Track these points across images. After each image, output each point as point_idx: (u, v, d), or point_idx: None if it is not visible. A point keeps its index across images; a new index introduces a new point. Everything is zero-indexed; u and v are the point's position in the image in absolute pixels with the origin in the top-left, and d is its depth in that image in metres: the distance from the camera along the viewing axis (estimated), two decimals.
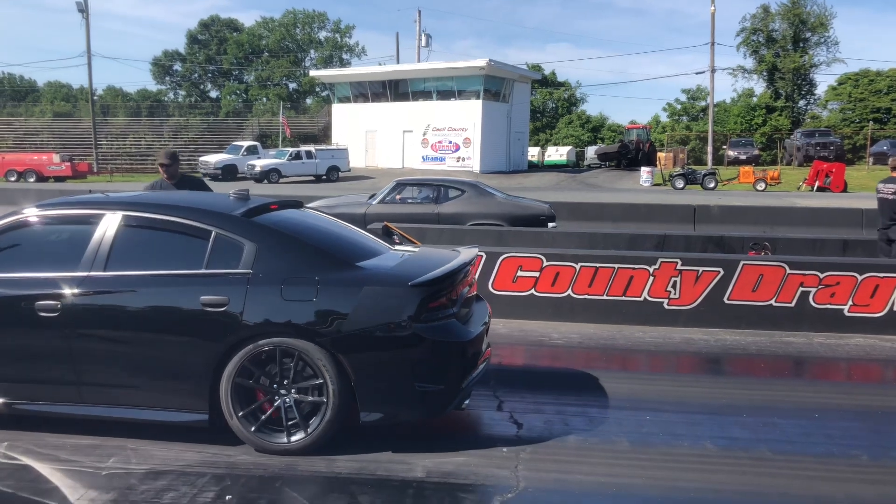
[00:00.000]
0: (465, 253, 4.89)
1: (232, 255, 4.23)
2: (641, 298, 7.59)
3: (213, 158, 39.11)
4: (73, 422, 4.42)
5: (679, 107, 63.17)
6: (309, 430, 4.10)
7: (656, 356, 6.67)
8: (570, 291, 7.69)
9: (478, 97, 42.76)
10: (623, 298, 7.62)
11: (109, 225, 4.41)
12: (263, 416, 4.15)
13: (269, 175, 35.96)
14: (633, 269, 7.61)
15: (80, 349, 4.24)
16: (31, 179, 35.96)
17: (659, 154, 42.98)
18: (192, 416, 4.21)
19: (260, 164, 36.75)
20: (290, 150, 39.30)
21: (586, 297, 7.67)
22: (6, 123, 56.07)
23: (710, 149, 43.49)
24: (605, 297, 7.64)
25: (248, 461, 4.10)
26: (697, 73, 60.07)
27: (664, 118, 63.86)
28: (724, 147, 45.18)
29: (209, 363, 4.11)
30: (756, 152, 42.98)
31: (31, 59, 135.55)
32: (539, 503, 3.67)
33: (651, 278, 7.57)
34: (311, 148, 39.75)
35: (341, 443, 4.23)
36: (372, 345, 4.09)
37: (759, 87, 59.43)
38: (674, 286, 7.55)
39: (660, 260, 7.63)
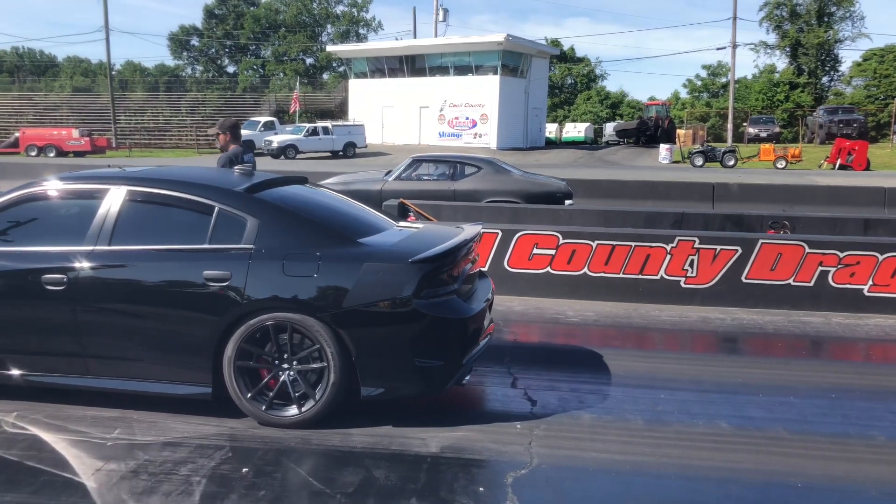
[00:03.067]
0: (468, 230, 4.89)
1: (234, 231, 4.27)
2: (658, 277, 7.56)
3: None
4: (92, 394, 4.48)
5: (699, 83, 62.41)
6: (312, 403, 4.15)
7: (672, 335, 6.65)
8: (586, 269, 7.67)
9: (495, 73, 42.41)
10: (640, 277, 7.59)
11: (114, 200, 4.45)
12: (267, 391, 4.20)
13: (286, 151, 36.00)
14: (651, 247, 7.57)
15: (86, 322, 4.30)
16: (51, 154, 36.26)
17: (678, 131, 42.50)
18: (196, 389, 4.27)
19: (277, 139, 36.79)
20: (307, 125, 39.27)
21: (602, 275, 7.65)
22: (26, 98, 56.48)
23: (730, 126, 42.98)
24: (621, 276, 7.61)
25: (265, 435, 4.14)
26: (718, 49, 59.04)
27: (684, 94, 63.19)
28: (745, 124, 44.60)
29: (212, 337, 4.16)
30: (777, 129, 42.42)
31: (50, 33, 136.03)
32: (552, 479, 3.68)
33: (668, 256, 7.52)
34: (328, 124, 39.68)
35: (355, 417, 4.27)
36: (372, 320, 4.12)
37: (781, 62, 58.59)
38: (691, 265, 7.50)
39: (677, 238, 7.58)
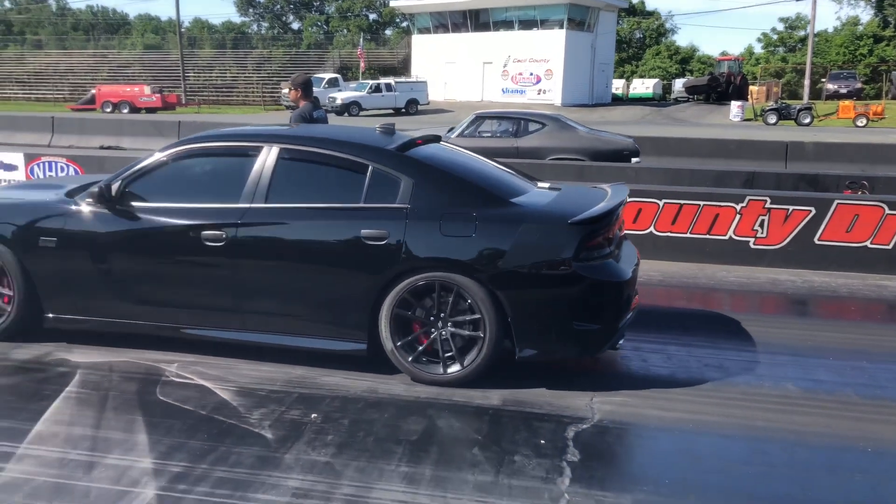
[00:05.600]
0: (616, 190, 4.75)
1: (389, 190, 4.27)
2: (727, 237, 7.39)
3: None
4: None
5: (775, 37, 59.73)
6: (464, 364, 4.18)
7: (739, 296, 6.51)
8: (652, 228, 7.55)
9: (561, 27, 41.50)
10: (707, 237, 7.44)
11: (268, 158, 4.48)
12: (420, 348, 4.25)
13: (349, 108, 36.25)
14: (719, 206, 7.39)
15: (244, 278, 4.38)
16: (125, 110, 37.37)
17: (751, 87, 41.02)
18: (351, 345, 4.34)
19: (341, 96, 37.04)
20: (371, 82, 39.35)
21: (669, 234, 7.52)
22: (101, 56, 58.10)
23: (807, 82, 41.09)
24: (688, 235, 7.47)
25: (333, 383, 4.28)
26: (798, 0, 56.30)
27: (758, 49, 60.62)
28: (823, 80, 42.62)
29: (368, 295, 4.21)
30: (858, 86, 40.40)
31: None
32: (614, 435, 3.70)
33: (738, 216, 7.34)
34: (391, 80, 39.70)
35: None
36: (530, 282, 4.09)
37: (866, 14, 55.51)
38: (761, 225, 7.30)
39: (748, 197, 7.37)
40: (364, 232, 4.17)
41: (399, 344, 4.24)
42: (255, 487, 3.16)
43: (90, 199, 4.65)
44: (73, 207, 4.69)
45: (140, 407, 3.96)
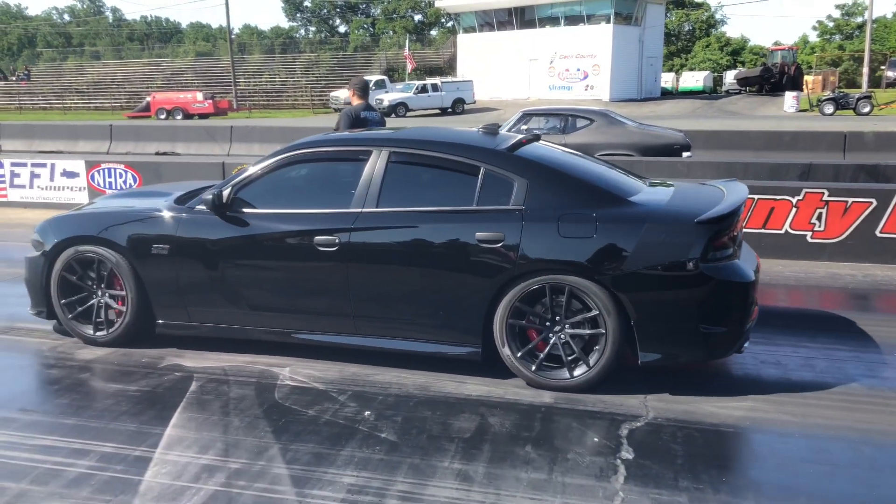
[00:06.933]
0: (733, 188, 4.61)
1: (502, 191, 4.18)
2: (783, 231, 7.21)
3: (343, 94, 40.09)
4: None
5: (831, 24, 57.98)
6: (585, 369, 4.08)
7: (797, 291, 6.35)
8: None
9: (608, 21, 41.04)
10: (762, 231, 7.27)
11: (378, 162, 4.43)
12: (538, 353, 4.16)
13: (396, 109, 36.53)
14: (775, 199, 7.22)
15: (357, 283, 4.34)
16: (179, 117, 38.27)
17: (806, 77, 39.91)
18: (465, 350, 4.28)
19: (388, 98, 37.36)
20: (417, 83, 39.58)
21: None
22: (155, 65, 59.66)
23: (865, 70, 39.73)
24: (743, 230, 7.30)
25: (386, 380, 4.33)
26: None
27: (814, 38, 58.97)
28: (883, 68, 41.18)
29: (484, 298, 4.14)
30: None
31: (174, 1, 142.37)
32: (667, 432, 3.65)
33: (794, 209, 7.16)
34: (437, 81, 39.87)
35: (469, 367, 4.36)
36: (655, 284, 3.95)
37: None
38: (819, 218, 7.10)
39: (804, 190, 7.18)
40: (479, 235, 4.09)
41: (515, 349, 4.16)
42: (316, 485, 3.22)
43: (202, 206, 4.67)
44: (185, 215, 4.71)
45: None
